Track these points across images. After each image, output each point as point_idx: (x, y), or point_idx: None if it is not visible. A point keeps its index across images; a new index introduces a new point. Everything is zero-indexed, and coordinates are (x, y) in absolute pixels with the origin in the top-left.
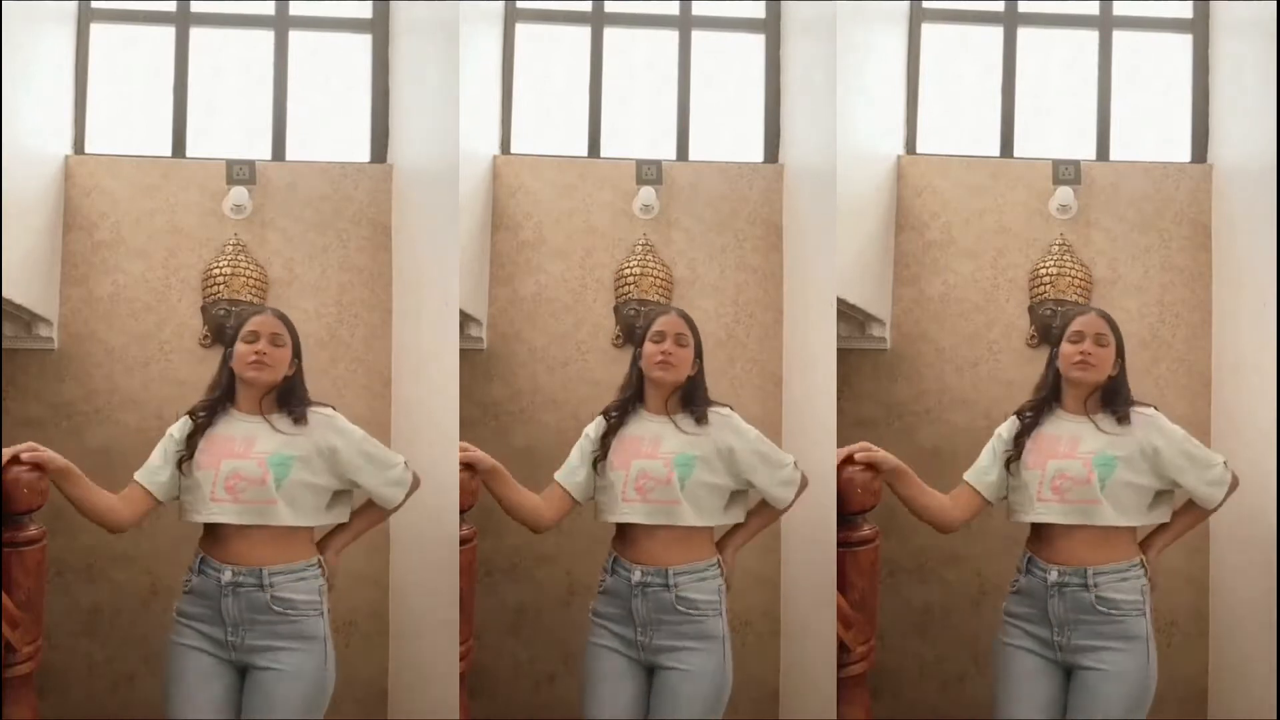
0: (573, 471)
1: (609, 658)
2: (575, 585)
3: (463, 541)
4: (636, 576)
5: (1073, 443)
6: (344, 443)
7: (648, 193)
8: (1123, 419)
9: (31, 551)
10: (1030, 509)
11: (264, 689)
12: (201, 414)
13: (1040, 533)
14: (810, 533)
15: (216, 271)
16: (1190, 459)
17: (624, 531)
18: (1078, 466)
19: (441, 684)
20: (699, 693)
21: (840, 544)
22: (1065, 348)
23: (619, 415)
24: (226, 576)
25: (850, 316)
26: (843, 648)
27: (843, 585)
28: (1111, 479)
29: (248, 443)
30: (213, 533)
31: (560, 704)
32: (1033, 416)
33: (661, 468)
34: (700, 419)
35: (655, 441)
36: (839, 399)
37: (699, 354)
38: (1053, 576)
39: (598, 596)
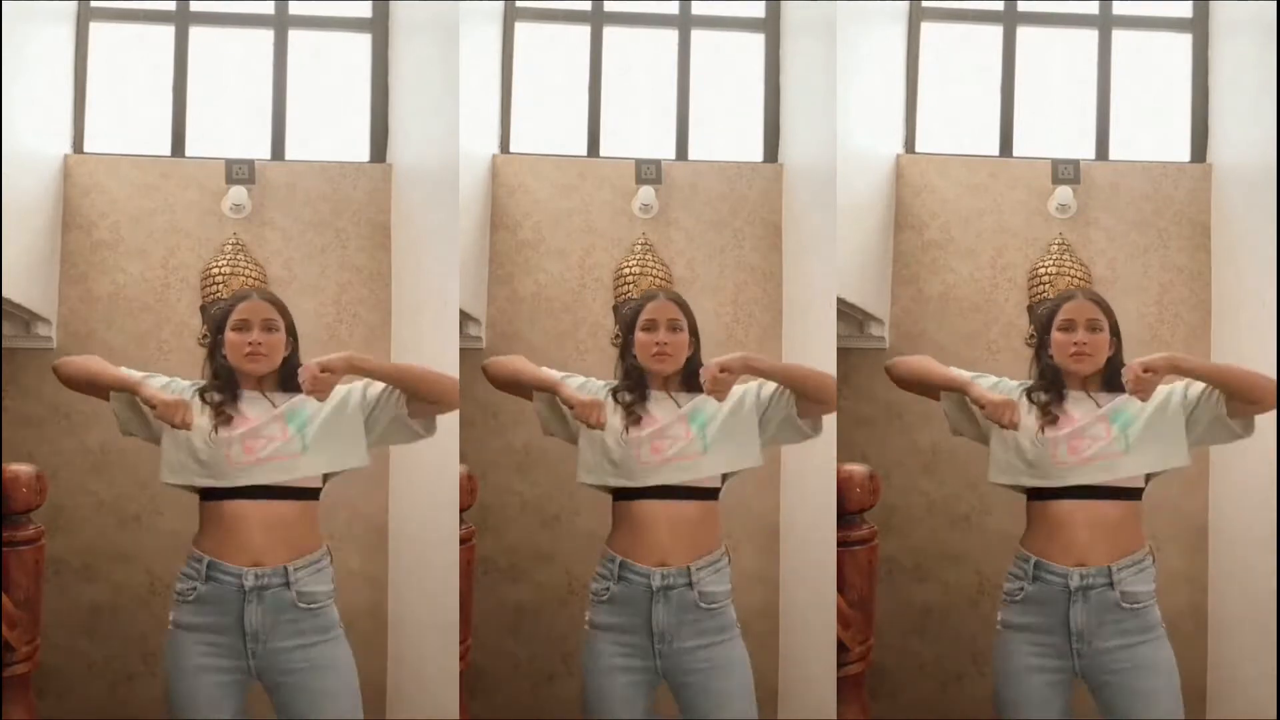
0: (551, 414)
1: (624, 677)
2: (575, 585)
3: (462, 541)
4: (657, 581)
5: (1085, 414)
6: (353, 388)
7: (647, 192)
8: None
9: (30, 551)
10: (1052, 475)
11: (308, 690)
12: (211, 394)
13: (1047, 529)
14: (809, 532)
15: (215, 271)
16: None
17: (630, 524)
18: (1095, 426)
19: (440, 684)
20: (732, 687)
21: (839, 543)
22: (1058, 337)
23: (631, 397)
24: (250, 581)
25: (849, 316)
26: (841, 647)
27: (841, 585)
28: (1133, 428)
29: (258, 416)
30: (220, 529)
31: (560, 704)
32: (1044, 398)
33: (676, 425)
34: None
35: (666, 414)
36: (839, 398)
37: (695, 333)
38: (1074, 581)
39: (597, 606)
